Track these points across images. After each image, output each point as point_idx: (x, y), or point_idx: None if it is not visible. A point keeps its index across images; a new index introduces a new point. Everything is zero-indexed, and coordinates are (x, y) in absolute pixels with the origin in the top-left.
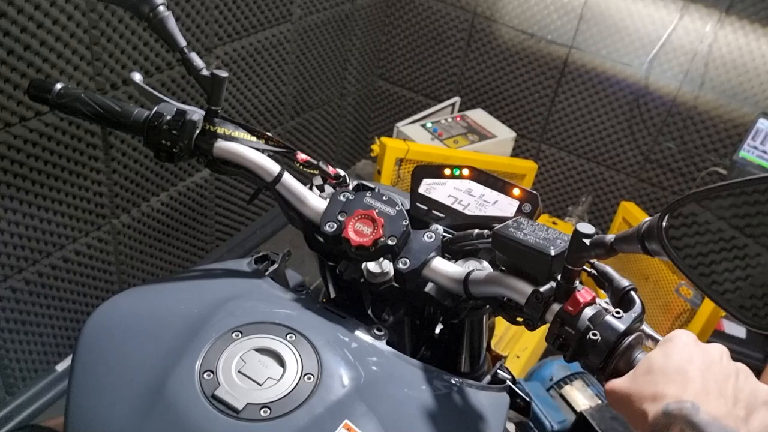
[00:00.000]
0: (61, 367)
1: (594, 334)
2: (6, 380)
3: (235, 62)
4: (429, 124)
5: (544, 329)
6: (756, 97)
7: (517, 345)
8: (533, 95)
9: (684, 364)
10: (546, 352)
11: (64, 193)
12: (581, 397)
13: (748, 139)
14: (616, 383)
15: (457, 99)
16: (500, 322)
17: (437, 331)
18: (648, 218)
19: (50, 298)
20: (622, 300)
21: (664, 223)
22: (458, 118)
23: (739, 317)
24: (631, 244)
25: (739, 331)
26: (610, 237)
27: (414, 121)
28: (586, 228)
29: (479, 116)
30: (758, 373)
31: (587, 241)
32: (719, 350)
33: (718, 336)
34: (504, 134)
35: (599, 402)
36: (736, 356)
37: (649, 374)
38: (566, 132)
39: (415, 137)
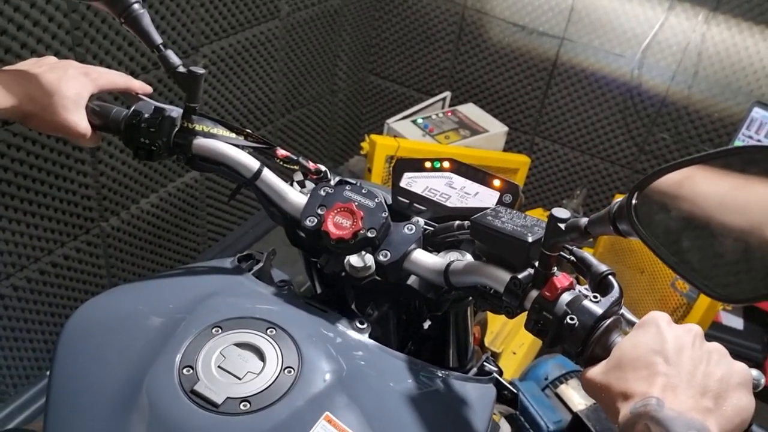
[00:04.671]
0: None
1: (571, 319)
2: None
3: (223, 60)
4: (419, 120)
5: None
6: (750, 86)
7: (514, 341)
8: (526, 88)
9: (652, 356)
10: (543, 349)
11: (51, 197)
12: (577, 396)
13: (742, 128)
14: (590, 374)
15: (447, 94)
16: (496, 319)
17: (425, 326)
18: (619, 198)
19: (40, 303)
20: (600, 285)
21: (633, 202)
22: (449, 113)
23: (707, 291)
24: (604, 226)
25: (737, 322)
26: (584, 220)
27: (404, 117)
28: (561, 212)
29: (470, 111)
30: (757, 365)
31: (562, 226)
32: (692, 333)
33: (716, 328)
34: (496, 128)
35: (595, 401)
36: (734, 348)
37: (619, 368)
38: (560, 125)
39: (405, 133)
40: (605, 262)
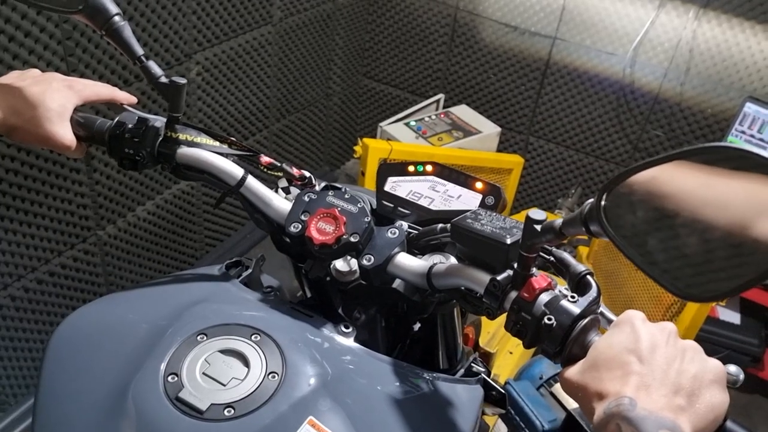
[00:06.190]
0: None
1: (549, 319)
2: None
3: (216, 67)
4: (413, 123)
5: None
6: (742, 81)
7: (510, 341)
8: (519, 88)
9: (626, 355)
10: (538, 348)
11: (47, 206)
12: None
13: (735, 123)
14: (568, 374)
15: (441, 96)
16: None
17: (416, 329)
18: (591, 199)
19: (38, 312)
20: (579, 285)
21: (602, 203)
22: (442, 115)
23: (674, 290)
24: (576, 227)
25: (734, 317)
26: (558, 222)
27: (397, 120)
28: (536, 214)
29: (463, 112)
30: (755, 360)
31: (538, 227)
32: (666, 331)
33: (713, 323)
34: (489, 129)
35: None
36: (731, 343)
37: (594, 368)
38: (554, 124)
39: (398, 136)
40: (602, 260)
